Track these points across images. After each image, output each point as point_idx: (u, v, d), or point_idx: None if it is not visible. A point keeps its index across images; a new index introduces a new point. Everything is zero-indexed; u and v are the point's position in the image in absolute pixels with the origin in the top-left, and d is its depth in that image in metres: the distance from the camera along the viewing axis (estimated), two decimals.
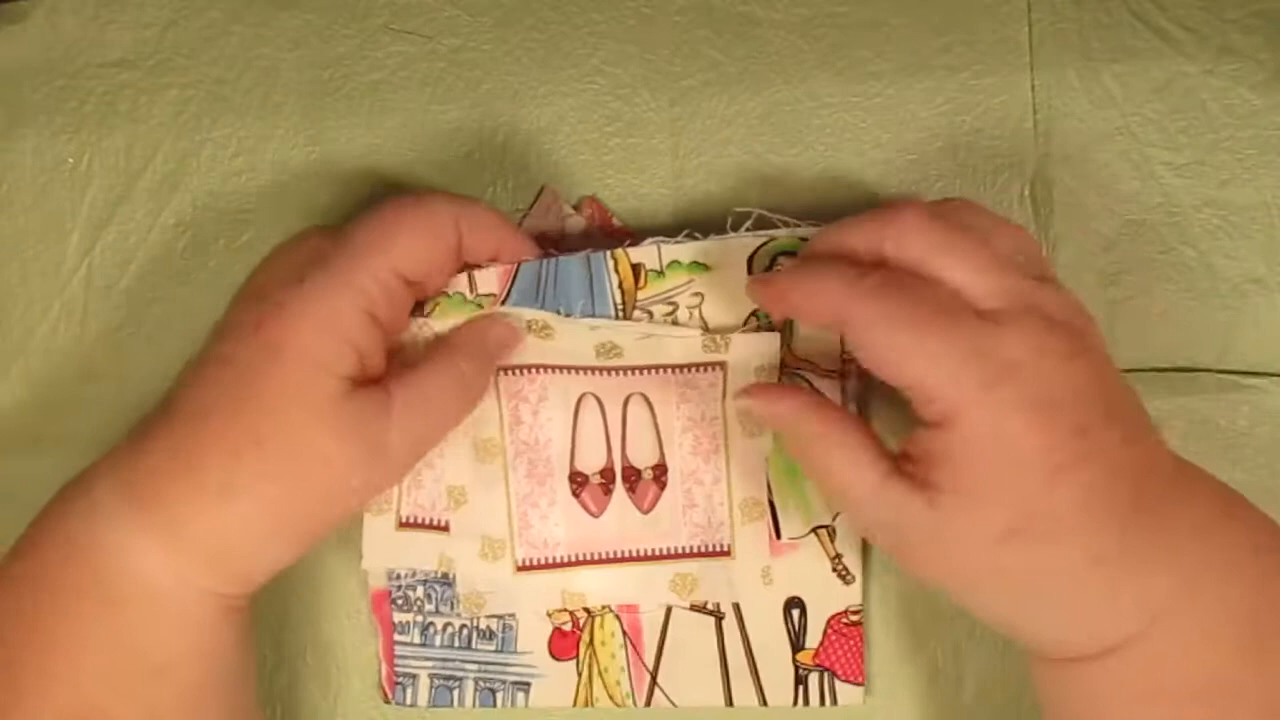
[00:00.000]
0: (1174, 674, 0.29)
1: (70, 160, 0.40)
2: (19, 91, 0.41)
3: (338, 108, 0.40)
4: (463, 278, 0.35)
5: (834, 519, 0.38)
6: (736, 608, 0.38)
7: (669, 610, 0.38)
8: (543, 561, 0.38)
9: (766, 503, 0.37)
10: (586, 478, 0.38)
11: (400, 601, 0.39)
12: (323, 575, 0.40)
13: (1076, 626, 0.29)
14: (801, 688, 0.38)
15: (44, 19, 0.41)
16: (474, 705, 0.39)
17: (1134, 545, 0.28)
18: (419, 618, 0.39)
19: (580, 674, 0.39)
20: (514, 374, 0.37)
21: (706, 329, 0.36)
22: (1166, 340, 0.38)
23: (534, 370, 0.37)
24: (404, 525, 0.38)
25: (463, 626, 0.39)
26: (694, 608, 0.38)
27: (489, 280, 0.35)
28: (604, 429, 0.38)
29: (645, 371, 0.36)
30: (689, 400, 0.37)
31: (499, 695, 0.39)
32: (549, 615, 0.39)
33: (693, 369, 0.36)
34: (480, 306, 0.35)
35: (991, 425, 0.28)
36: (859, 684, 0.38)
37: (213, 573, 0.31)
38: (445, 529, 0.38)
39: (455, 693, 0.39)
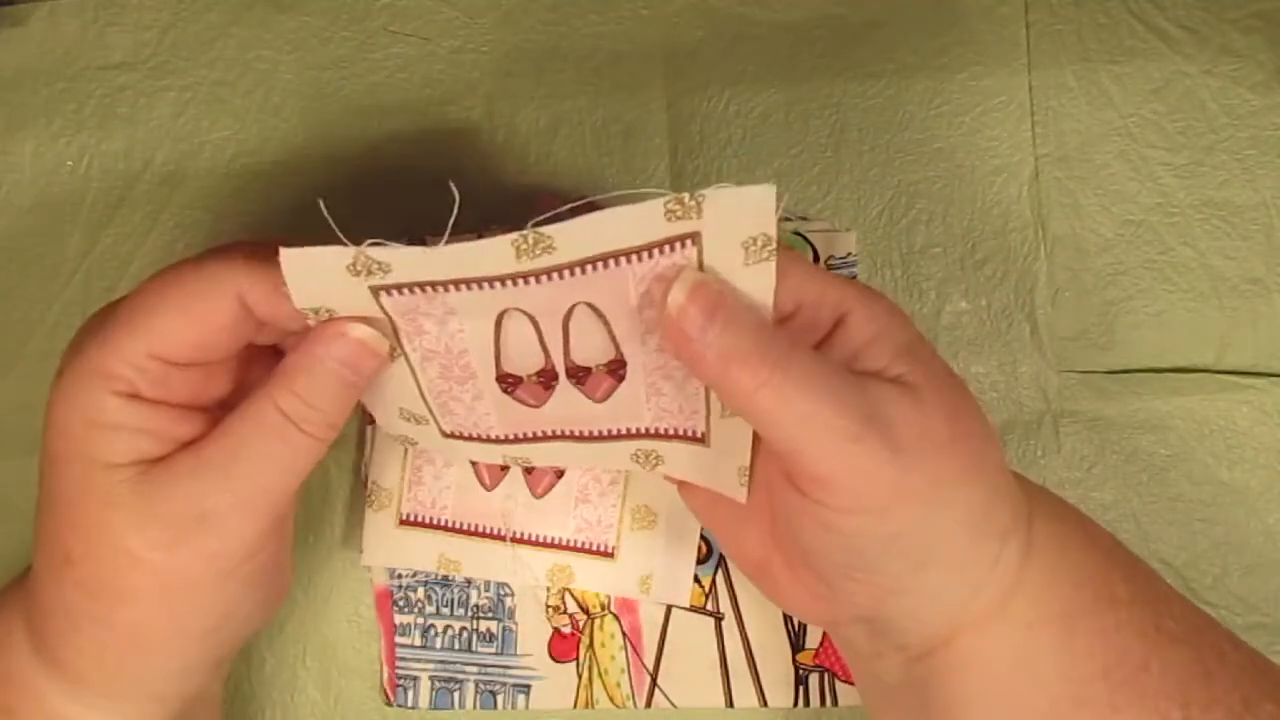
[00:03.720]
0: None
1: (70, 162, 0.40)
2: (19, 94, 0.41)
3: (337, 110, 0.40)
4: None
5: None
6: (736, 608, 0.38)
7: (669, 611, 0.38)
8: (475, 435, 0.33)
9: None
10: (519, 378, 0.30)
11: (401, 603, 0.39)
12: (323, 578, 0.39)
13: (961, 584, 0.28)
14: (802, 688, 0.38)
15: (44, 22, 0.41)
16: (475, 707, 0.39)
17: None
18: (420, 620, 0.39)
19: (580, 676, 0.39)
20: (400, 293, 0.27)
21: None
22: (1165, 340, 0.38)
23: (428, 289, 0.27)
24: (404, 523, 0.38)
25: (463, 629, 0.39)
26: (693, 608, 0.38)
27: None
28: (538, 340, 0.29)
29: (588, 269, 0.26)
30: (654, 303, 0.27)
31: (499, 697, 0.39)
32: (548, 617, 0.39)
33: (654, 251, 0.26)
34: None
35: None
36: None
37: (111, 703, 0.30)
38: (445, 528, 0.38)
39: (456, 695, 0.39)
